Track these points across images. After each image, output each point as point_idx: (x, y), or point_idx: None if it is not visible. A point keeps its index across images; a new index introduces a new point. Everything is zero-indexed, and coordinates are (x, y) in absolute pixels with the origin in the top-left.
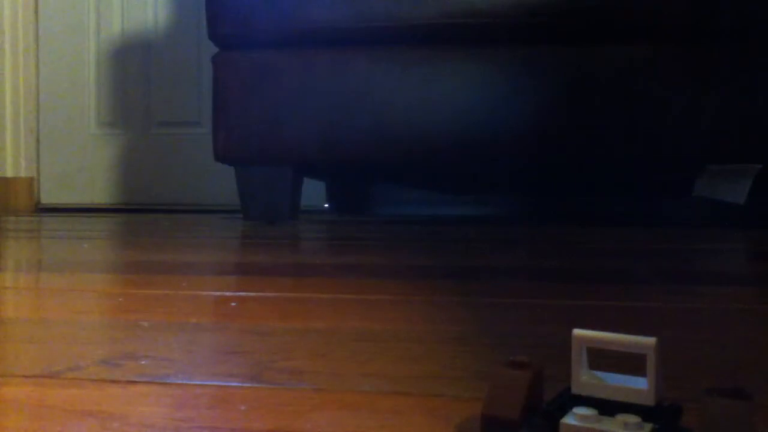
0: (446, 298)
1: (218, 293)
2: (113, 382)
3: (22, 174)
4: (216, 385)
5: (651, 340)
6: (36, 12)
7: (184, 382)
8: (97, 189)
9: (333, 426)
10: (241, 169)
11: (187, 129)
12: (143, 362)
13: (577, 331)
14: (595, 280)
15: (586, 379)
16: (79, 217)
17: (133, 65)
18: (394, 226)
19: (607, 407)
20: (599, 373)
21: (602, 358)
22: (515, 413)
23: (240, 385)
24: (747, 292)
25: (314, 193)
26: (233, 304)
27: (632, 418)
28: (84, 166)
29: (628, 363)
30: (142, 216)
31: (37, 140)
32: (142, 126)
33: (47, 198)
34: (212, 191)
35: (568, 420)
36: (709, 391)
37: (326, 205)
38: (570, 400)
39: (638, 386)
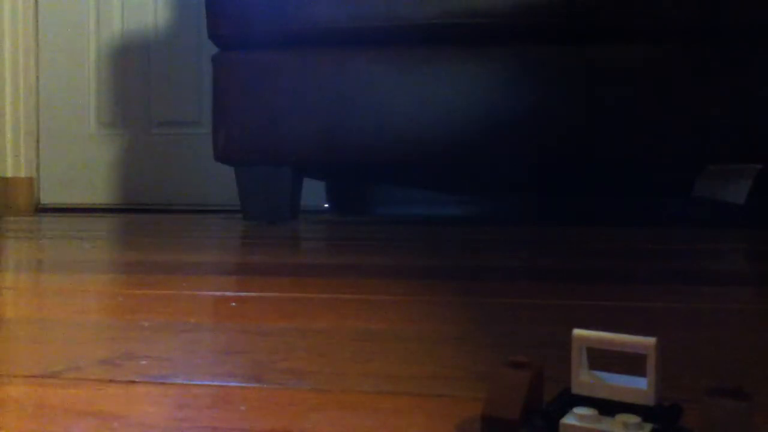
0: (446, 298)
1: (218, 293)
2: (113, 382)
3: (22, 174)
4: (216, 385)
5: (651, 340)
6: (36, 12)
7: (184, 382)
8: (97, 189)
9: (333, 426)
10: (241, 169)
11: (187, 129)
12: (143, 362)
13: (577, 331)
14: (595, 280)
15: (586, 379)
16: (79, 217)
17: (133, 65)
18: (394, 226)
19: (607, 407)
20: (599, 373)
21: (602, 358)
22: (515, 413)
23: (240, 385)
24: (747, 292)
25: (314, 193)
26: (233, 304)
27: (632, 418)
28: (84, 166)
29: (628, 363)
30: (142, 216)
31: (37, 140)
32: (142, 126)
33: (47, 198)
34: (212, 191)
35: (568, 420)
36: (709, 391)
37: (326, 205)
38: (570, 400)
39: (638, 386)
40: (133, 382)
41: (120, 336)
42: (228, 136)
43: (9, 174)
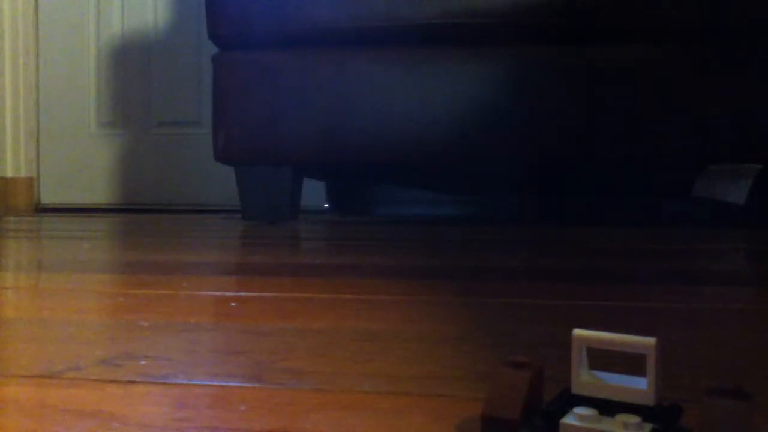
0: (446, 298)
1: (218, 293)
2: (113, 382)
3: (22, 174)
4: (216, 385)
5: (651, 340)
6: (36, 12)
7: (184, 382)
8: (97, 189)
9: (333, 426)
10: (241, 169)
11: (187, 129)
12: (143, 362)
13: (577, 331)
14: (595, 280)
15: (586, 379)
16: (79, 217)
17: (133, 65)
18: (394, 226)
19: (607, 407)
20: (599, 373)
21: (602, 358)
22: (515, 413)
23: (240, 385)
24: (747, 292)
25: (314, 193)
26: (233, 304)
27: (632, 418)
28: (84, 166)
29: (628, 363)
30: (142, 216)
31: (37, 140)
32: (142, 126)
33: (47, 198)
34: (212, 191)
35: (568, 420)
36: (709, 391)
37: (326, 205)
38: (570, 400)
39: (638, 386)
40: (133, 382)
41: (120, 336)
42: (228, 136)
43: (9, 174)
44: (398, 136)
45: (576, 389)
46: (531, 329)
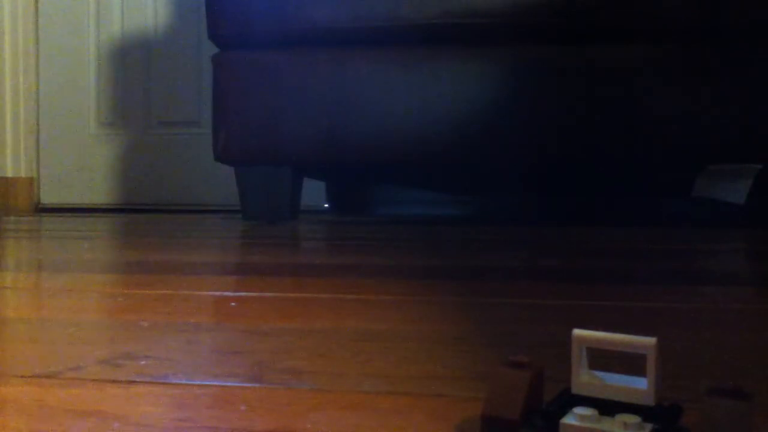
0: (446, 298)
1: (218, 293)
2: (113, 382)
3: (22, 174)
4: (216, 385)
5: (651, 340)
6: (36, 12)
7: (184, 382)
8: (97, 189)
9: (333, 426)
10: (241, 169)
11: (187, 129)
12: (143, 362)
13: (577, 331)
14: (595, 280)
15: (586, 379)
16: (79, 217)
17: (133, 65)
18: (394, 226)
19: (607, 407)
20: (599, 373)
21: (602, 358)
22: (515, 413)
23: (240, 385)
24: (747, 292)
25: (314, 193)
26: (233, 304)
27: (632, 418)
28: (84, 166)
29: (628, 363)
30: (142, 216)
31: (37, 140)
32: (142, 126)
33: (47, 198)
34: (212, 191)
35: (568, 420)
36: (709, 391)
37: (326, 205)
38: (570, 400)
39: (638, 386)
40: (133, 382)
41: (120, 336)
42: (228, 136)
43: (9, 174)
44: (398, 136)
45: (576, 389)
46: (531, 329)
